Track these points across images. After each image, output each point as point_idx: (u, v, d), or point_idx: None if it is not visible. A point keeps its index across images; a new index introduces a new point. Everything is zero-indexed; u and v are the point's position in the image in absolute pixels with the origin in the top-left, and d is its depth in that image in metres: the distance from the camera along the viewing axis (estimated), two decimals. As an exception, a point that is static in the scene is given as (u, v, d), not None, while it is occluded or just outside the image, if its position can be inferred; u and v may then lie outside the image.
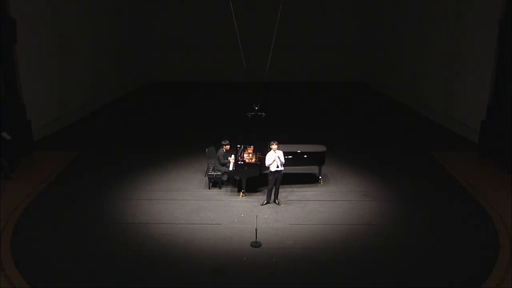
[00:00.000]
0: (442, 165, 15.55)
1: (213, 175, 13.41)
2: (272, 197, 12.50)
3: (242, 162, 13.10)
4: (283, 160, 12.27)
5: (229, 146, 13.69)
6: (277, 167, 12.23)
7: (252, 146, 14.06)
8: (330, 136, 18.53)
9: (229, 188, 13.48)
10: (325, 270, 9.59)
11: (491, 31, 16.27)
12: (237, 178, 13.43)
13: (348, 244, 10.55)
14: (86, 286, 9.07)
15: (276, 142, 12.28)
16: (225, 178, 13.65)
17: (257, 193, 13.10)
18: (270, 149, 12.27)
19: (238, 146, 13.95)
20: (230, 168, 13.33)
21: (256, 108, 14.40)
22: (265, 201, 12.45)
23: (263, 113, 14.29)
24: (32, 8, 17.64)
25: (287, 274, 9.42)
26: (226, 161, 13.53)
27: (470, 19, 18.62)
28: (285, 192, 13.08)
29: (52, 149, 17.16)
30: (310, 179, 14.10)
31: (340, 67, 31.28)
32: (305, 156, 13.63)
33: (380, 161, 15.96)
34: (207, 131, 19.52)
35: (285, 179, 13.36)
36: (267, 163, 12.28)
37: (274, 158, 12.17)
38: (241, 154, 13.61)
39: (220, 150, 13.58)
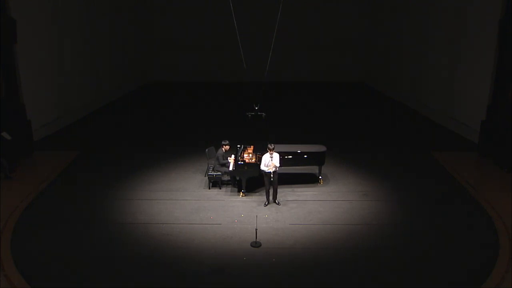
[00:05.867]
0: (442, 165, 15.55)
1: (213, 175, 13.41)
2: (271, 197, 12.50)
3: (242, 162, 13.10)
4: (277, 164, 12.26)
5: (228, 146, 13.68)
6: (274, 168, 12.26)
7: (252, 146, 14.07)
8: (330, 136, 18.54)
9: (229, 188, 13.48)
10: (325, 270, 9.60)
11: (491, 31, 16.28)
12: (238, 177, 13.44)
13: (348, 244, 10.55)
14: (86, 286, 9.06)
15: (274, 146, 12.27)
16: (225, 178, 13.65)
17: (257, 193, 13.10)
18: (268, 151, 12.26)
19: (238, 146, 13.95)
20: (230, 168, 13.33)
21: (256, 108, 14.41)
22: (266, 202, 12.46)
23: (263, 113, 14.30)
24: (32, 8, 17.64)
25: (287, 274, 9.42)
26: (225, 161, 13.52)
27: (470, 19, 18.63)
28: (285, 192, 13.08)
29: (52, 149, 17.17)
30: (310, 179, 14.10)
31: (340, 67, 31.30)
32: (305, 156, 13.63)
33: (380, 161, 15.95)
34: (207, 131, 19.53)
35: (285, 179, 13.41)
36: (261, 166, 12.32)
37: (267, 163, 12.16)
38: (241, 154, 13.62)
39: (220, 150, 13.58)
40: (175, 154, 16.46)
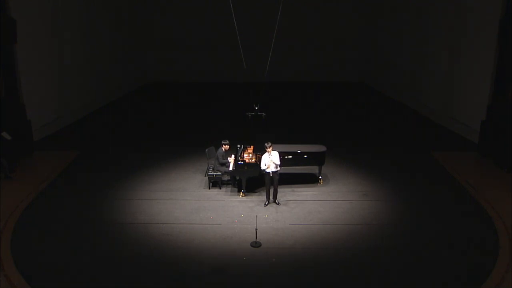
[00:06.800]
0: (442, 165, 15.54)
1: (213, 175, 13.41)
2: (271, 197, 12.49)
3: (242, 162, 13.10)
4: (277, 162, 12.27)
5: (228, 146, 13.68)
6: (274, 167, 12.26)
7: (252, 146, 14.06)
8: (330, 136, 18.54)
9: (229, 188, 13.48)
10: (325, 270, 9.60)
11: (491, 31, 16.27)
12: (238, 177, 13.44)
13: (348, 244, 10.55)
14: (86, 286, 9.07)
15: (271, 144, 12.26)
16: (225, 178, 13.65)
17: (257, 193, 13.10)
18: (266, 151, 12.25)
19: (238, 146, 13.95)
20: (230, 168, 13.33)
21: (256, 108, 14.40)
22: (266, 202, 12.46)
23: (263, 113, 14.29)
24: (32, 8, 17.63)
25: (287, 274, 9.42)
26: (225, 160, 13.52)
27: (470, 19, 18.62)
28: (285, 192, 13.08)
29: (52, 149, 17.17)
30: (310, 179, 14.10)
31: (340, 67, 31.29)
32: (305, 156, 13.63)
33: (380, 161, 15.94)
34: (207, 131, 19.52)
35: (285, 179, 13.40)
36: (262, 167, 12.30)
37: (268, 163, 12.16)
38: (241, 154, 13.62)
39: (220, 150, 13.58)
40: (175, 154, 16.46)
